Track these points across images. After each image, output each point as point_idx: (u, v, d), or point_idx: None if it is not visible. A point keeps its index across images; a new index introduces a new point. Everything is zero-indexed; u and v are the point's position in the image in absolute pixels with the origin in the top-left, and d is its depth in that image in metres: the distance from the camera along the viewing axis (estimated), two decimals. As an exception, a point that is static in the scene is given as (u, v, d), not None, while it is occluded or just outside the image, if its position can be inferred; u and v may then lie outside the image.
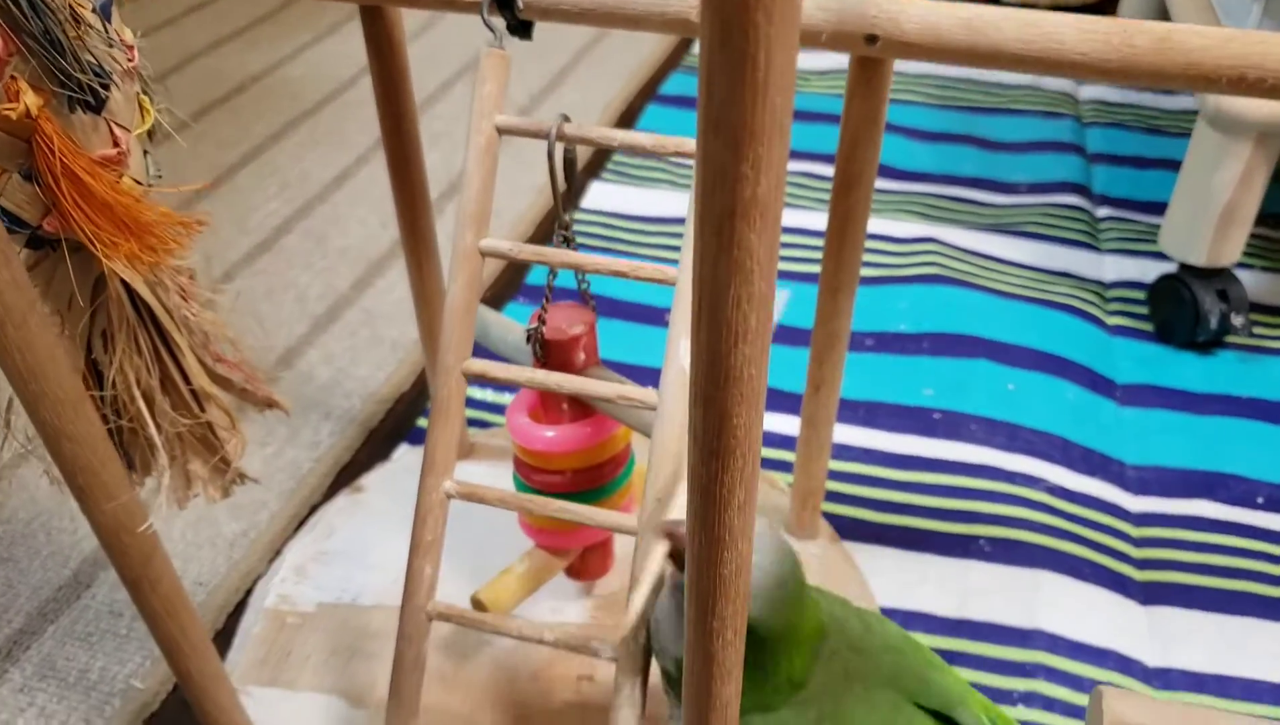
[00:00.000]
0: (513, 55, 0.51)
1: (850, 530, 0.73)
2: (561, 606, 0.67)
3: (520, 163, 1.15)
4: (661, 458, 0.48)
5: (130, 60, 0.38)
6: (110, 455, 0.40)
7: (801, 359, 0.65)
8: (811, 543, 0.71)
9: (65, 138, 0.34)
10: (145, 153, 0.40)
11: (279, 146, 1.21)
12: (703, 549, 0.33)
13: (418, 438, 0.81)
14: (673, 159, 1.17)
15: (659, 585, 0.46)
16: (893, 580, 0.69)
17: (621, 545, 0.65)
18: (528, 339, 0.55)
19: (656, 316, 0.93)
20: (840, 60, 1.34)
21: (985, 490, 0.75)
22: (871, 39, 0.48)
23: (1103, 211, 1.06)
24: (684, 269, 0.48)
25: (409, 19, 0.76)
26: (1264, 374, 0.85)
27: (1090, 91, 1.27)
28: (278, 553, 0.72)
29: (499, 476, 0.74)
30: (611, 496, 0.60)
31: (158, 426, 0.42)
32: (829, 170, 0.59)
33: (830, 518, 0.74)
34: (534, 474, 0.58)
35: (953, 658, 0.65)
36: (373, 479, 0.76)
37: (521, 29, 0.50)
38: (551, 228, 0.53)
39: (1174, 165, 1.09)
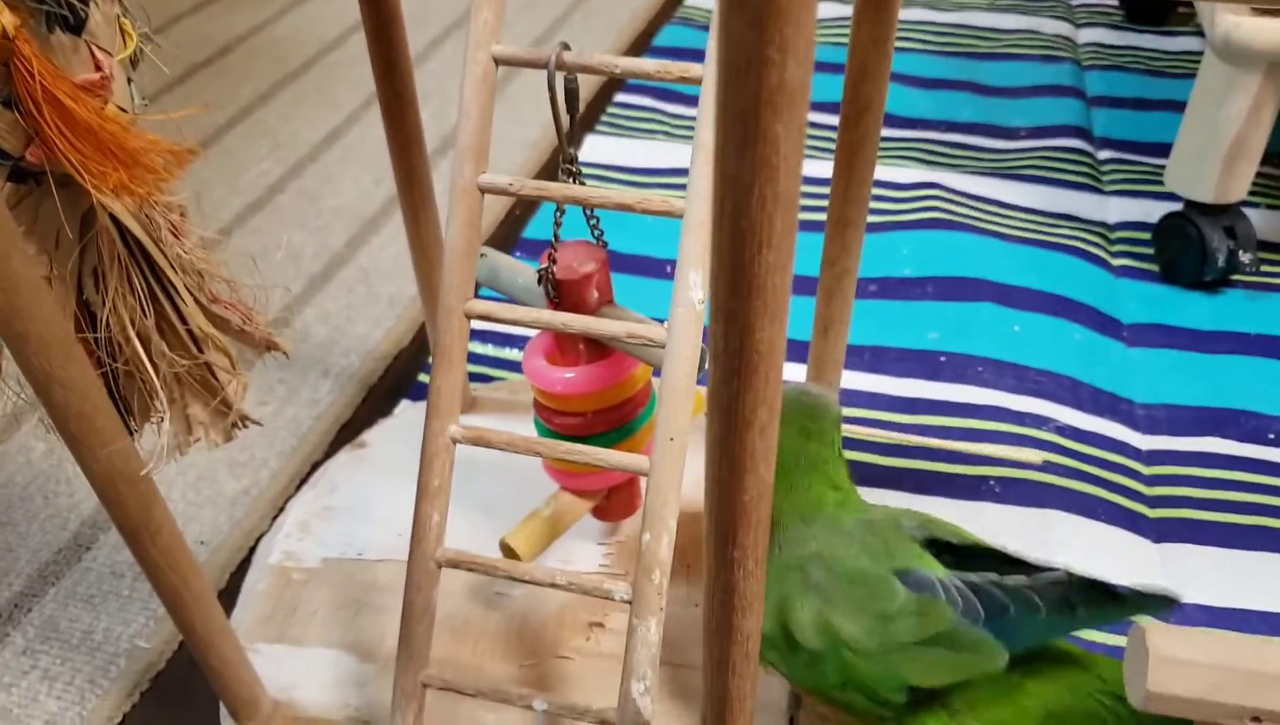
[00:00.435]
0: (504, 9, 0.49)
1: (860, 475, 0.72)
2: (571, 556, 0.66)
3: (515, 119, 1.13)
4: (671, 395, 0.47)
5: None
6: (104, 400, 0.39)
7: (807, 306, 0.64)
8: (821, 488, 0.70)
9: (45, 60, 0.32)
10: (129, 80, 0.38)
11: (268, 107, 1.19)
12: (723, 474, 0.32)
13: (419, 393, 0.80)
14: (670, 111, 1.15)
15: None
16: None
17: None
18: (539, 280, 0.53)
19: (657, 268, 0.92)
20: (842, 9, 1.32)
21: (994, 431, 0.74)
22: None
23: (1104, 154, 1.05)
24: (692, 200, 0.47)
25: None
26: (1272, 311, 0.84)
27: (1089, 35, 1.25)
28: (281, 510, 0.71)
29: (502, 429, 0.73)
30: (634, 436, 0.58)
31: (155, 368, 0.41)
32: (832, 119, 0.57)
33: (838, 463, 0.73)
34: (554, 417, 0.57)
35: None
36: (375, 435, 0.75)
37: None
38: (553, 178, 0.51)
39: (1175, 107, 1.07)
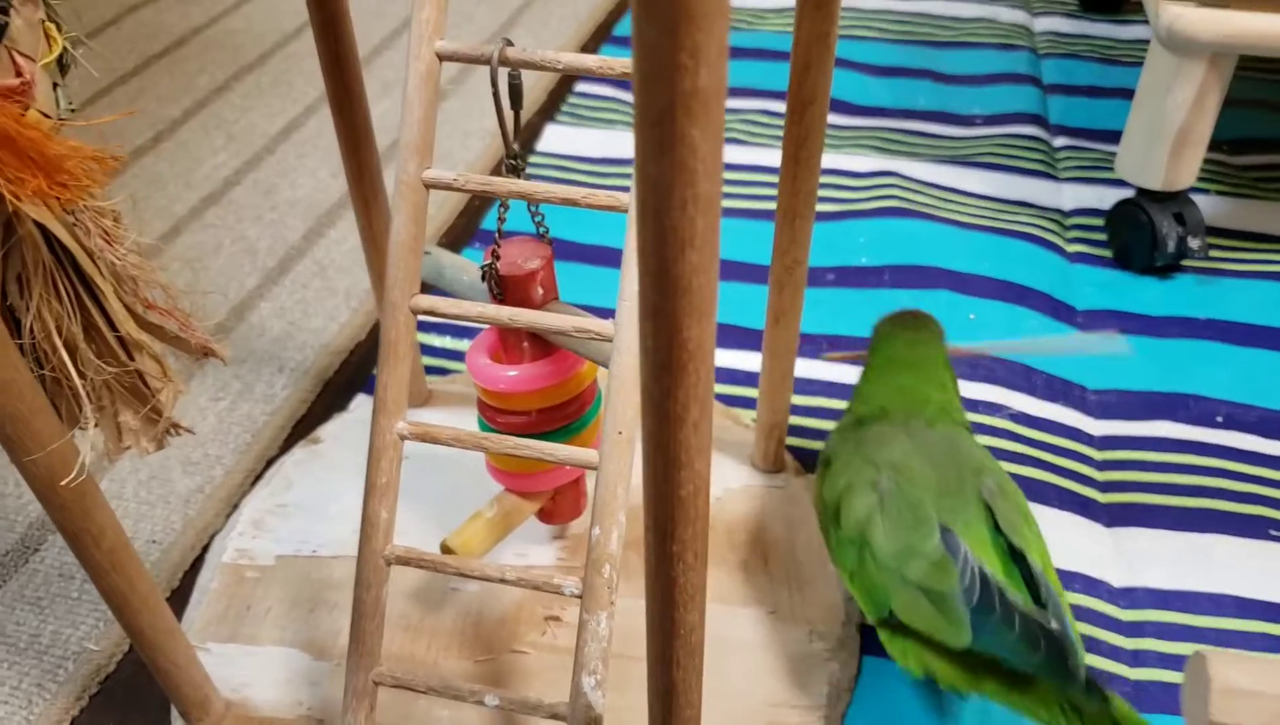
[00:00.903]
0: (447, 6, 0.49)
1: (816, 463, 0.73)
2: (527, 551, 0.66)
3: (460, 131, 1.12)
4: (619, 390, 0.47)
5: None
6: (40, 402, 0.39)
7: (763, 295, 0.64)
8: (778, 476, 0.70)
9: (-35, 64, 0.32)
10: (56, 85, 0.38)
11: (224, 99, 1.17)
12: (659, 470, 0.32)
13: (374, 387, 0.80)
14: (630, 100, 1.15)
15: None
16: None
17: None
18: (483, 276, 0.53)
19: (612, 257, 0.92)
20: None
21: (949, 420, 0.75)
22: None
23: (1060, 141, 1.06)
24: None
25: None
26: (1221, 295, 0.86)
27: (1045, 23, 1.26)
28: (235, 507, 0.70)
29: (459, 424, 0.73)
30: (580, 434, 0.58)
31: (82, 376, 0.40)
32: (785, 107, 0.57)
33: (796, 452, 0.73)
34: (498, 416, 0.57)
35: (919, 585, 0.65)
36: (329, 430, 0.75)
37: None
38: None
39: (1128, 94, 1.08)
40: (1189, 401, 0.77)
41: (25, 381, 0.39)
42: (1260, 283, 0.87)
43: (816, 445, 0.74)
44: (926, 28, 1.26)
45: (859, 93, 1.13)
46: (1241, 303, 0.85)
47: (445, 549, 0.56)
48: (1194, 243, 0.85)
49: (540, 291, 0.53)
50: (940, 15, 1.28)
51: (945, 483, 0.54)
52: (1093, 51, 1.20)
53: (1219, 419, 0.75)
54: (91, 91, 1.17)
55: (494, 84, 0.47)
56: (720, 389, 0.79)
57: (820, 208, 0.96)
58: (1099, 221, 0.94)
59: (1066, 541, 0.67)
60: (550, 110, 1.12)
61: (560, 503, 0.61)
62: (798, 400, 0.77)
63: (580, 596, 0.47)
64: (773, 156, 1.03)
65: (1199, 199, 0.92)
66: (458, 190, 0.48)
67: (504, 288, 0.53)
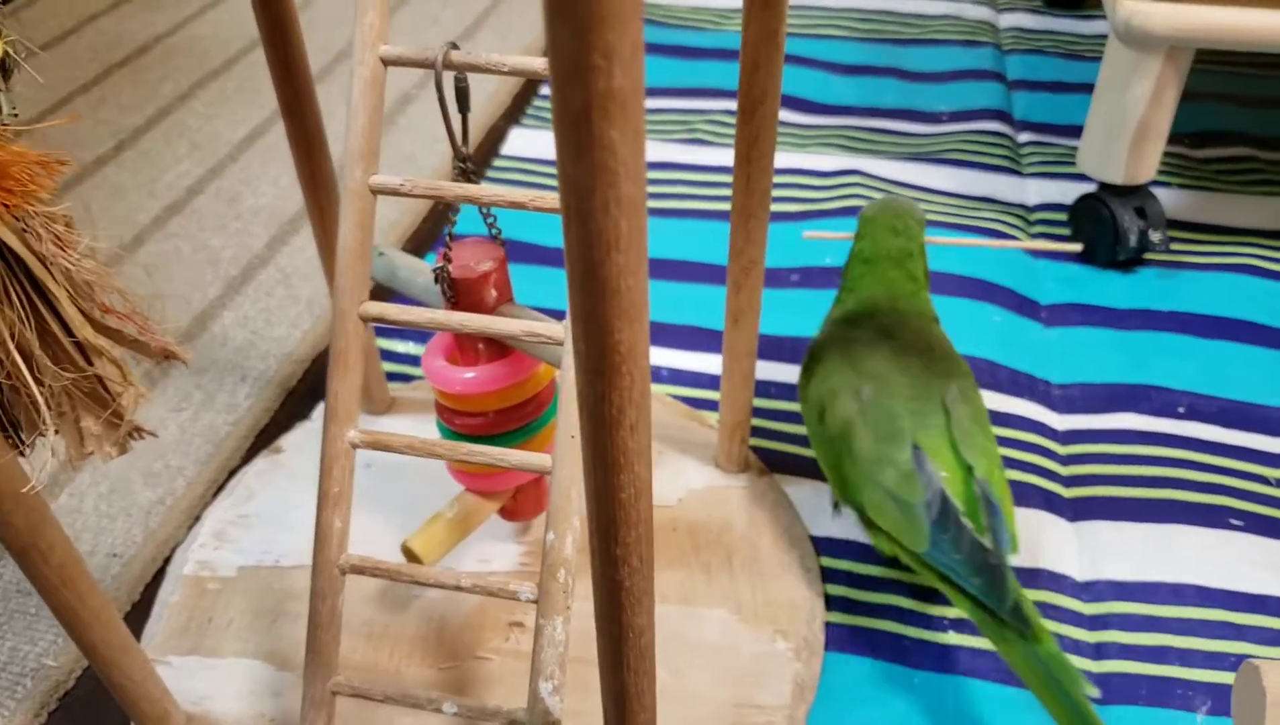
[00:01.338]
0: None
1: (781, 464, 0.73)
2: (490, 555, 0.66)
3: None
4: (572, 392, 0.47)
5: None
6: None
7: (723, 296, 0.64)
8: (741, 476, 0.70)
9: (-108, 73, 0.31)
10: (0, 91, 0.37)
11: (188, 107, 1.16)
12: (599, 475, 0.32)
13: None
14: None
15: None
16: (825, 510, 0.69)
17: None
18: (436, 279, 0.53)
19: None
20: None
21: (913, 417, 0.75)
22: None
23: (1024, 136, 1.06)
24: (584, 198, 0.47)
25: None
26: (1182, 288, 0.86)
27: (1010, 19, 1.27)
28: (196, 519, 0.70)
29: (421, 431, 0.73)
30: (537, 435, 0.58)
31: (39, 382, 0.40)
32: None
33: (760, 452, 0.73)
34: (456, 418, 0.57)
35: (885, 584, 0.65)
36: (291, 440, 0.74)
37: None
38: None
39: (1092, 89, 1.09)
40: (1151, 393, 0.77)
41: (-37, 396, 0.38)
42: (1221, 275, 0.87)
43: (783, 447, 0.74)
44: (892, 25, 1.26)
45: (824, 92, 1.13)
46: (1203, 295, 0.85)
47: (406, 550, 0.56)
48: (1155, 236, 0.85)
49: (493, 294, 0.53)
50: (905, 12, 1.29)
51: (916, 389, 0.60)
52: (1057, 47, 1.21)
53: (1181, 410, 0.76)
54: (52, 101, 1.16)
55: (439, 87, 0.46)
56: (684, 391, 0.79)
57: (784, 208, 0.96)
58: (1063, 216, 0.94)
59: (1031, 538, 0.67)
60: (515, 114, 1.12)
61: (522, 501, 0.61)
62: (763, 402, 0.77)
63: (536, 602, 0.47)
64: (729, 157, 1.03)
65: (1161, 192, 0.93)
66: (405, 195, 0.48)
67: (456, 291, 0.52)
